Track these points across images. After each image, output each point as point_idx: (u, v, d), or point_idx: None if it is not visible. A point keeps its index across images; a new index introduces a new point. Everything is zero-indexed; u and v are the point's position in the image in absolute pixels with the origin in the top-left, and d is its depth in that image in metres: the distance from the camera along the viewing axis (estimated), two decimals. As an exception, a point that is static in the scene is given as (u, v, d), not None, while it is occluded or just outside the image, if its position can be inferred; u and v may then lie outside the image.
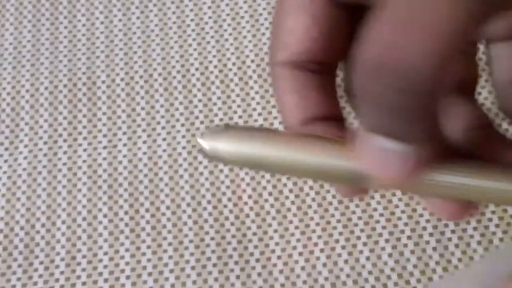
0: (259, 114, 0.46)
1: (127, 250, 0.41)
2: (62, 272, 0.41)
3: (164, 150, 0.45)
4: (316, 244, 0.41)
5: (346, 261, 0.40)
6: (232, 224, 0.42)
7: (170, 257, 0.41)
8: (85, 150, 0.45)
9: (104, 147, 0.45)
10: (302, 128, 0.25)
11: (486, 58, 0.29)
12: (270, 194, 0.42)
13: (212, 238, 0.41)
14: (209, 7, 0.51)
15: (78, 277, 0.40)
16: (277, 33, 0.25)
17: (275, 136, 0.23)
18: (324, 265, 0.40)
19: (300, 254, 0.40)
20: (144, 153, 0.45)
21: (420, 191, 0.23)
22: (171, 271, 0.40)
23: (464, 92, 0.28)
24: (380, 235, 0.41)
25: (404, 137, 0.21)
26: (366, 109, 0.20)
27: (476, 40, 0.29)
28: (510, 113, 0.27)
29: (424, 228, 0.41)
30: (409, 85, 0.19)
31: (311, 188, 0.42)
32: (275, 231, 0.41)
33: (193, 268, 0.40)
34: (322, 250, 0.40)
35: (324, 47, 0.25)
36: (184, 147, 0.45)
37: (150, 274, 0.40)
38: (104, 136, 0.46)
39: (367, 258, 0.40)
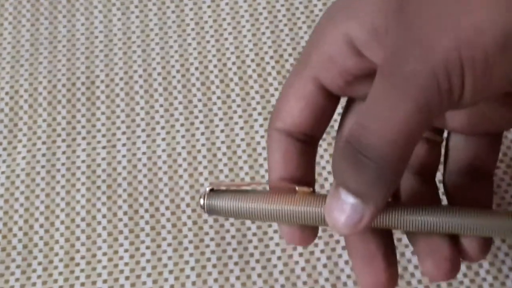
0: (259, 114, 0.45)
1: (126, 250, 0.41)
2: (60, 273, 0.41)
3: (164, 150, 0.45)
4: (316, 245, 0.41)
5: (346, 262, 0.40)
6: (232, 224, 0.41)
7: (169, 257, 0.41)
8: (83, 150, 0.45)
9: (103, 147, 0.45)
10: (280, 183, 0.32)
11: (445, 146, 0.33)
12: (270, 194, 0.42)
13: (212, 239, 0.41)
14: (209, 6, 0.50)
15: (77, 278, 0.40)
16: (279, 108, 0.32)
17: (255, 195, 0.31)
18: (325, 266, 0.40)
19: (301, 255, 0.40)
20: (143, 153, 0.45)
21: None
22: (170, 272, 0.40)
23: (423, 175, 0.34)
24: (381, 235, 0.40)
25: (364, 196, 0.28)
26: (340, 169, 0.28)
27: (442, 129, 0.34)
28: (456, 200, 0.33)
29: (425, 229, 0.40)
30: (371, 158, 0.27)
31: (311, 188, 0.42)
32: (275, 231, 0.41)
33: (192, 269, 0.40)
34: (322, 251, 0.40)
35: (311, 125, 0.32)
36: (183, 147, 0.45)
37: (149, 275, 0.40)
38: (103, 136, 0.45)
39: None
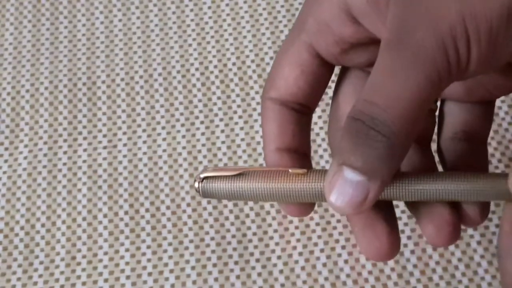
0: (259, 114, 0.46)
1: (127, 250, 0.41)
2: (62, 272, 0.41)
3: (164, 150, 0.45)
4: (316, 244, 0.41)
5: (346, 261, 0.40)
6: (232, 224, 0.42)
7: (170, 257, 0.41)
8: (85, 150, 0.45)
9: (104, 147, 0.45)
10: (275, 154, 0.31)
11: (439, 113, 0.33)
12: (270, 194, 0.42)
13: (212, 238, 0.41)
14: (209, 7, 0.51)
15: (78, 277, 0.41)
16: (273, 76, 0.32)
17: (250, 175, 0.30)
18: (324, 265, 0.40)
19: (300, 254, 0.40)
20: (144, 153, 0.45)
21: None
22: (171, 271, 0.40)
23: (419, 142, 0.33)
24: (380, 235, 0.41)
25: (371, 172, 0.27)
26: (344, 147, 0.27)
27: (437, 98, 0.34)
28: (452, 166, 0.33)
29: (424, 228, 0.41)
30: (383, 134, 0.26)
31: (311, 188, 0.42)
32: (275, 231, 0.41)
33: (193, 268, 0.40)
34: (322, 250, 0.40)
35: (307, 93, 0.32)
36: (184, 147, 0.45)
37: (150, 274, 0.40)
38: (104, 136, 0.46)
39: (367, 258, 0.40)
